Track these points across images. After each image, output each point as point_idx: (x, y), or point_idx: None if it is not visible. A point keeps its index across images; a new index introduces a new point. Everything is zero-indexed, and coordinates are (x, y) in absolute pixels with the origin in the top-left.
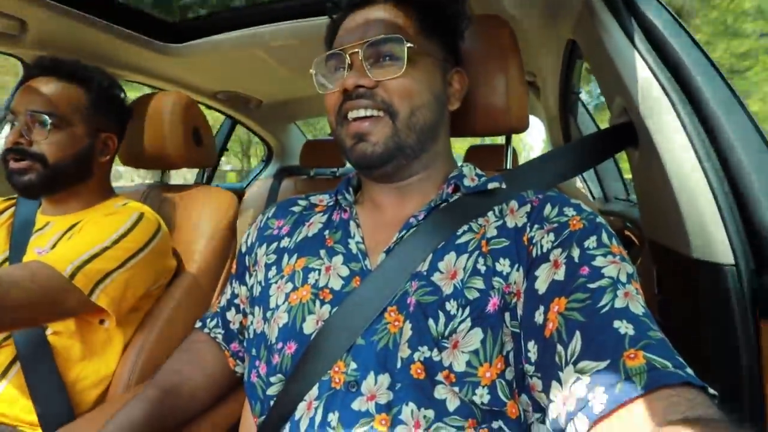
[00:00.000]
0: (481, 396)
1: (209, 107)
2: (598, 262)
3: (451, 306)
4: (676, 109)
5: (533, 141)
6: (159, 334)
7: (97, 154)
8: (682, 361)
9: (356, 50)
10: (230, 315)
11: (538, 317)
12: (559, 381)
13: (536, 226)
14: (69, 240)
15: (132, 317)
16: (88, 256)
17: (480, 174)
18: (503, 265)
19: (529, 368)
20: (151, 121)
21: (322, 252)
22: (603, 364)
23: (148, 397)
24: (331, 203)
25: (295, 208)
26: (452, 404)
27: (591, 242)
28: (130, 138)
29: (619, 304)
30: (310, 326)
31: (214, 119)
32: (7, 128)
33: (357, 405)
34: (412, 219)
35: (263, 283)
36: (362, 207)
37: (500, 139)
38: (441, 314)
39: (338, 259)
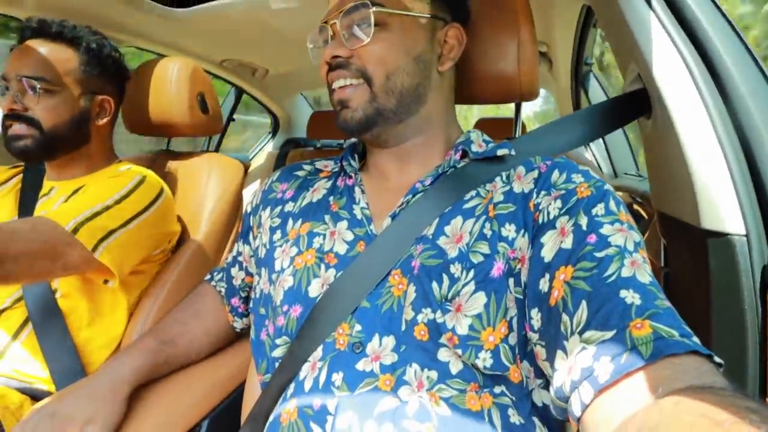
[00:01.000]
0: (484, 360)
1: (215, 76)
2: (606, 230)
3: (456, 269)
4: (693, 75)
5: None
6: (166, 297)
7: (94, 117)
8: (688, 329)
9: (334, 21)
10: (234, 271)
11: (543, 285)
12: (564, 350)
13: (543, 192)
14: (72, 199)
15: (136, 280)
16: (90, 213)
17: (488, 140)
18: (508, 230)
19: (533, 336)
20: (156, 88)
21: (327, 217)
22: (609, 334)
23: (147, 347)
24: (336, 169)
25: (300, 173)
26: (455, 367)
27: (599, 209)
28: (135, 104)
29: (625, 273)
30: (315, 289)
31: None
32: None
33: (361, 365)
34: (418, 184)
35: (268, 246)
36: (367, 173)
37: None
38: (445, 277)
39: (343, 224)
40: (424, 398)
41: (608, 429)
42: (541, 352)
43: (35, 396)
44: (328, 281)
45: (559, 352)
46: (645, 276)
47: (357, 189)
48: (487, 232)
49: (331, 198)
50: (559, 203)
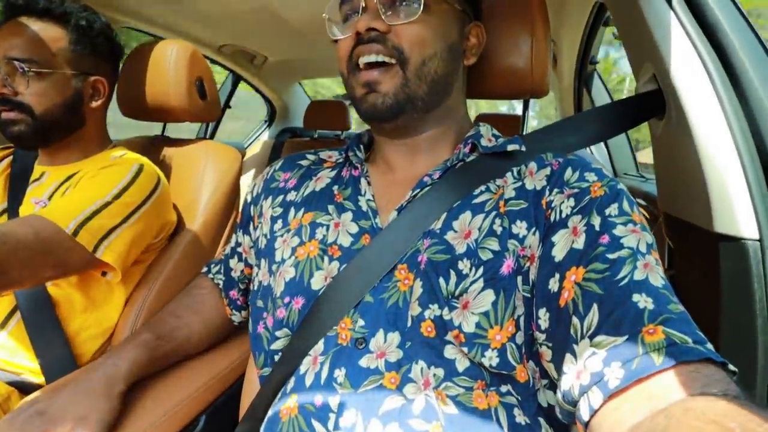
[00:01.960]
0: (491, 359)
1: (213, 61)
2: (619, 230)
3: (464, 265)
4: (711, 77)
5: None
6: (161, 287)
7: (87, 99)
8: (702, 336)
9: None
10: (233, 263)
11: (553, 285)
12: (574, 354)
13: (556, 189)
14: (68, 194)
15: (133, 270)
16: (90, 212)
17: (497, 135)
18: (519, 227)
19: (539, 336)
20: (153, 71)
21: (331, 207)
22: (621, 339)
23: (143, 342)
24: (341, 160)
25: (303, 162)
26: (461, 365)
27: (612, 209)
28: (131, 87)
29: (638, 275)
30: (318, 282)
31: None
32: None
33: (365, 362)
34: (426, 178)
35: (268, 236)
36: (373, 165)
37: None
38: (452, 273)
39: (347, 216)
40: (431, 396)
41: None
42: (546, 352)
43: (24, 388)
44: (331, 274)
45: (568, 356)
46: (658, 279)
47: (363, 180)
48: (497, 228)
49: (335, 188)
50: (572, 202)
